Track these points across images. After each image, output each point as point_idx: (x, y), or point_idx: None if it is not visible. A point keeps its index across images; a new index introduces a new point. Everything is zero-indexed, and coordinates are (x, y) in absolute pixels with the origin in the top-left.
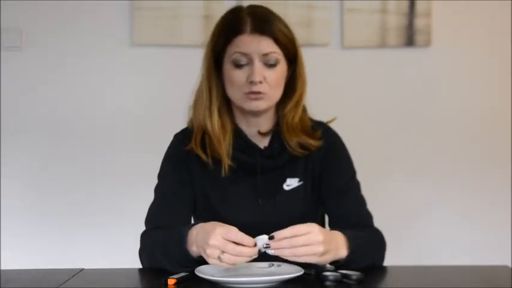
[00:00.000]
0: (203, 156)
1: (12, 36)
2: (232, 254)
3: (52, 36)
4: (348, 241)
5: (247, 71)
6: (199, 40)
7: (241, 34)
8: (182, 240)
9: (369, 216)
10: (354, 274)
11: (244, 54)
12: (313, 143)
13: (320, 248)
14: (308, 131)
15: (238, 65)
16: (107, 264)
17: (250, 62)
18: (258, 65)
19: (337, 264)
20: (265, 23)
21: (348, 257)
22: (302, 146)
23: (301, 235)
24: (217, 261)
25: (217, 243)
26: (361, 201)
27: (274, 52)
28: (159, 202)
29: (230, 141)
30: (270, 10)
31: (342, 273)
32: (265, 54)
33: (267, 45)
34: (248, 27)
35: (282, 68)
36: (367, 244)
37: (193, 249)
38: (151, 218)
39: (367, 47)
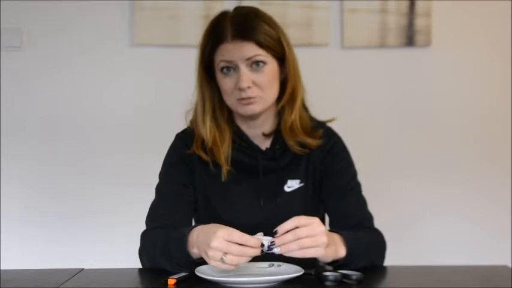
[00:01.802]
0: (205, 156)
1: (12, 36)
2: (235, 255)
3: (52, 36)
4: (345, 241)
5: (235, 78)
6: (199, 40)
7: (223, 42)
8: (183, 241)
9: (369, 217)
10: (354, 274)
11: (229, 62)
12: (312, 142)
13: (324, 238)
14: (308, 131)
15: (225, 73)
16: (107, 264)
17: (236, 68)
18: (244, 70)
19: (335, 264)
20: (246, 28)
21: (346, 256)
22: (301, 145)
23: (303, 226)
24: (219, 263)
25: (220, 245)
26: (362, 202)
27: (258, 55)
28: (159, 202)
29: (229, 146)
30: (254, 11)
31: (342, 273)
32: (249, 58)
33: (249, 50)
34: (229, 34)
35: (271, 69)
36: (365, 244)
37: (194, 251)
38: (152, 217)
39: (367, 47)
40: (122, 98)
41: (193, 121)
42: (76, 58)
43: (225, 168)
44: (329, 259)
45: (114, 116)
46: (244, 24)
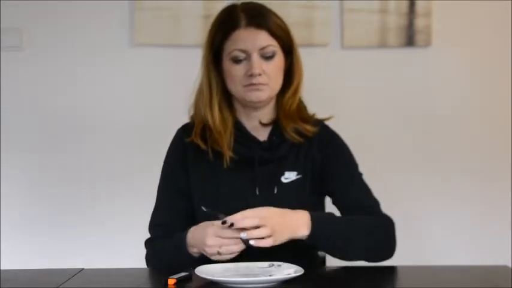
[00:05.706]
0: (202, 145)
1: (12, 36)
2: (229, 245)
3: (52, 36)
4: (311, 221)
5: (246, 65)
6: (199, 40)
7: (237, 29)
8: (182, 246)
9: (374, 203)
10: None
11: (243, 51)
12: (309, 128)
13: (267, 231)
14: (304, 118)
15: (236, 61)
16: (107, 264)
17: (248, 57)
18: (256, 58)
19: (306, 242)
20: (259, 16)
21: (310, 236)
22: (298, 133)
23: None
24: (218, 256)
25: (214, 242)
26: (366, 189)
27: (270, 45)
28: (160, 207)
29: (231, 134)
30: (263, 5)
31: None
32: (262, 48)
33: (263, 39)
34: (243, 21)
35: (279, 60)
36: (347, 227)
37: (194, 251)
38: (154, 225)
39: (367, 47)
40: (122, 98)
41: (196, 107)
42: (76, 58)
43: (228, 154)
44: (282, 242)
45: (114, 116)
46: (257, 13)
